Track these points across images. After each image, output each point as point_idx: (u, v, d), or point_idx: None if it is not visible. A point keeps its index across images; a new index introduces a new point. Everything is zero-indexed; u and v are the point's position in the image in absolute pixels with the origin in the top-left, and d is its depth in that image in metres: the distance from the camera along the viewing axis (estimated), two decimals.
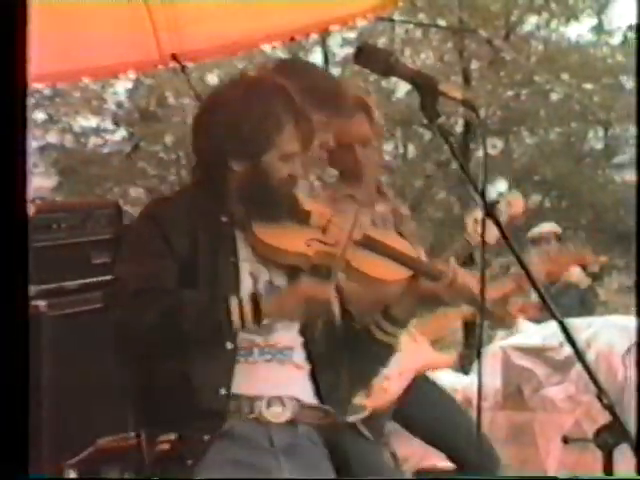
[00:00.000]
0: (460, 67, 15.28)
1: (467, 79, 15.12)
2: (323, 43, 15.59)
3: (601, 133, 17.35)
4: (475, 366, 6.31)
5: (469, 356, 9.02)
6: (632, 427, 2.04)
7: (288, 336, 2.54)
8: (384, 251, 2.58)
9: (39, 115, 15.55)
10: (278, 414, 2.48)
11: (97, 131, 17.21)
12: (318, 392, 2.56)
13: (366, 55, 2.35)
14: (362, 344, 2.66)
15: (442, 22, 15.11)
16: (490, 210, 2.27)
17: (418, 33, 15.99)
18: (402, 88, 14.91)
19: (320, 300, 2.44)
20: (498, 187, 7.03)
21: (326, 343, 2.59)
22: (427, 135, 15.76)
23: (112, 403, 3.75)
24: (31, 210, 3.67)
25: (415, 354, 3.54)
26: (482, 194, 2.26)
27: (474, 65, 15.64)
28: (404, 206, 3.82)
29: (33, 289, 3.56)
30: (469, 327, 9.47)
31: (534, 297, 5.16)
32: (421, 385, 3.61)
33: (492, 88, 14.97)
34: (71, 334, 3.66)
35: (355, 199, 3.40)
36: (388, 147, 15.71)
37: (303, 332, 2.57)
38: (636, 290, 7.18)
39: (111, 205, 4.10)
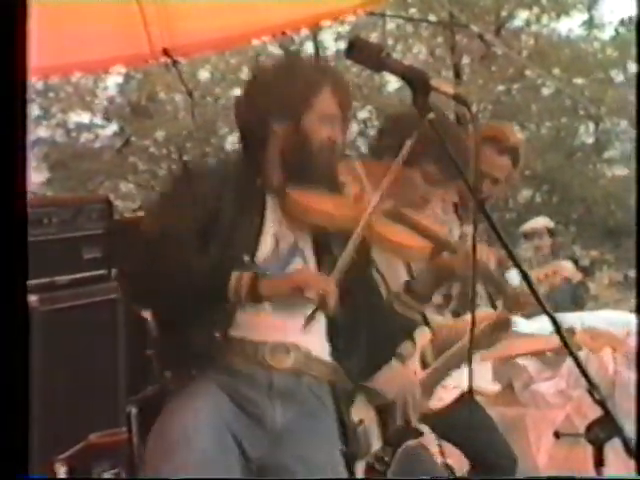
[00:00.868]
0: (451, 62, 15.30)
1: (458, 74, 15.16)
2: (314, 38, 15.60)
3: (592, 128, 17.39)
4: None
5: None
6: (623, 423, 2.04)
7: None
8: (408, 222, 2.72)
9: (30, 109, 15.52)
10: (281, 360, 2.52)
11: (88, 126, 17.20)
12: (333, 353, 2.62)
13: (358, 50, 2.34)
14: (384, 317, 2.77)
15: (433, 17, 15.12)
16: (480, 205, 2.27)
17: (409, 28, 16.01)
18: (394, 82, 14.94)
19: (316, 291, 2.43)
20: None
21: (344, 316, 2.59)
22: None
23: (103, 398, 3.76)
24: None
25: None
26: (473, 190, 2.28)
27: (465, 60, 15.67)
28: None
29: None
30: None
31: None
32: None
33: (483, 83, 15.02)
34: (62, 329, 3.65)
35: None
36: None
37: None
38: (637, 289, 7.18)
39: (102, 200, 4.09)
